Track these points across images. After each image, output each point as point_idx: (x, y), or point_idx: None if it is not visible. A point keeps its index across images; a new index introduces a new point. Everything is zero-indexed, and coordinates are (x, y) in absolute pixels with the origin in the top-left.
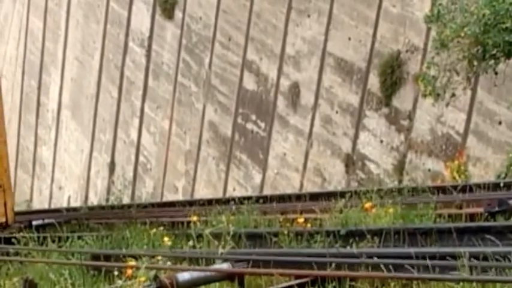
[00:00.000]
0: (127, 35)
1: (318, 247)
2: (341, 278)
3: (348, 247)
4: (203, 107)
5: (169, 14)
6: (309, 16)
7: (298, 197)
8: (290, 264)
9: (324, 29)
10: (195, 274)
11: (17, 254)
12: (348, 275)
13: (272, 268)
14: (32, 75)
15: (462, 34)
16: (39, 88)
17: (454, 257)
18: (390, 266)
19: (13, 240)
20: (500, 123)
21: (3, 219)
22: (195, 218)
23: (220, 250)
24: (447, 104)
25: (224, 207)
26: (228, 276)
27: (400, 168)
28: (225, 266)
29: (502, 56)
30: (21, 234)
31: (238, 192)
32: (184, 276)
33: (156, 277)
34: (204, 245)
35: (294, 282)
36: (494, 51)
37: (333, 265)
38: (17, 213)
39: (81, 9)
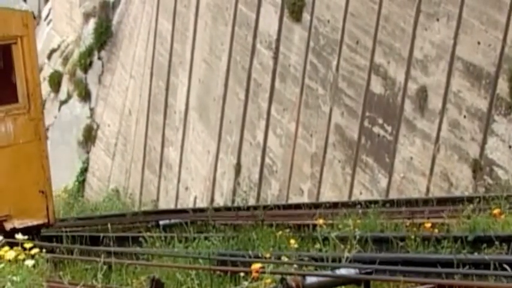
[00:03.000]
0: (255, 37)
1: (445, 253)
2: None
3: (476, 253)
4: (330, 109)
5: (297, 17)
6: (437, 20)
7: (425, 202)
8: (416, 270)
9: (453, 33)
10: (323, 277)
11: (144, 253)
12: (475, 285)
13: (398, 273)
14: (160, 76)
15: None
16: (167, 89)
17: None
18: None
19: (140, 239)
20: None
21: (46, 220)
22: (321, 221)
23: (346, 254)
24: None
25: (350, 210)
26: (355, 280)
27: None
28: (351, 270)
29: None
30: (149, 233)
31: (364, 196)
32: (311, 278)
33: (283, 279)
34: (330, 248)
35: (420, 287)
36: None
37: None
38: (144, 213)
39: (209, 11)
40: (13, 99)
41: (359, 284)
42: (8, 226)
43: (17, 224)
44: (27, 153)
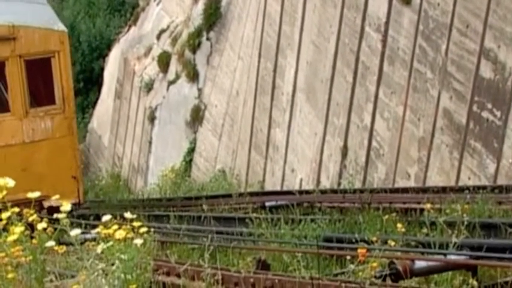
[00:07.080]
0: (363, 19)
1: None
2: None
3: None
4: (438, 94)
5: (406, 0)
6: None
7: None
8: None
9: None
10: (432, 262)
11: (250, 234)
12: None
13: (507, 260)
14: (268, 57)
15: None
16: (274, 71)
17: None
18: None
19: (247, 220)
20: None
21: (77, 200)
22: (428, 206)
23: (454, 239)
24: None
25: (458, 195)
26: (463, 266)
27: None
28: (459, 256)
29: None
30: (255, 214)
31: (472, 181)
32: (420, 263)
33: (391, 263)
34: (438, 233)
35: None
36: None
37: None
38: (250, 194)
39: None
40: (51, 101)
41: (468, 269)
42: (46, 204)
43: (53, 203)
44: (62, 146)
